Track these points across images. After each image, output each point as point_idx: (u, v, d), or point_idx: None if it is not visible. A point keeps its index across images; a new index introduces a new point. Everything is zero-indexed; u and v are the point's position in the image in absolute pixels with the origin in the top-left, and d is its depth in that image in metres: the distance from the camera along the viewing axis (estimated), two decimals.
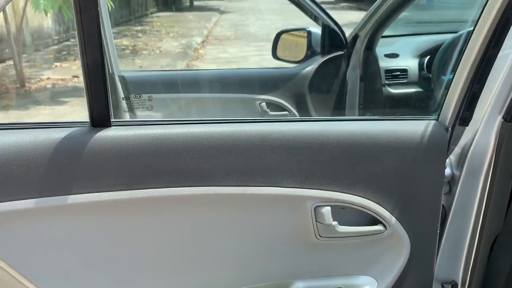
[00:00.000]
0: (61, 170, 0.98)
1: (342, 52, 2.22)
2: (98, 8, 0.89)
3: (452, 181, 1.29)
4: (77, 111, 4.52)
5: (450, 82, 1.18)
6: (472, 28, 1.12)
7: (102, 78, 0.95)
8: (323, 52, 2.26)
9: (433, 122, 1.20)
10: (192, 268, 1.15)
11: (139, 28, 10.09)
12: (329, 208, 1.14)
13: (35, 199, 0.96)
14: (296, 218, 1.14)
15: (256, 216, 1.13)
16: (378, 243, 1.22)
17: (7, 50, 6.19)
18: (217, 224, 1.12)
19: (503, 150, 1.19)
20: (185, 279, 1.16)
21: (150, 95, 1.23)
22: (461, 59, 1.14)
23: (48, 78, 5.75)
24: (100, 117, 1.00)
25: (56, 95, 5.17)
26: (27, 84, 5.46)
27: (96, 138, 1.00)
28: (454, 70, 1.17)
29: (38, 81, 5.69)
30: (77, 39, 0.93)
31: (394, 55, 2.36)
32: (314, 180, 1.12)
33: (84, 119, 1.05)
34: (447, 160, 1.28)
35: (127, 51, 7.45)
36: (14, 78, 5.58)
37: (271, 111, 2.18)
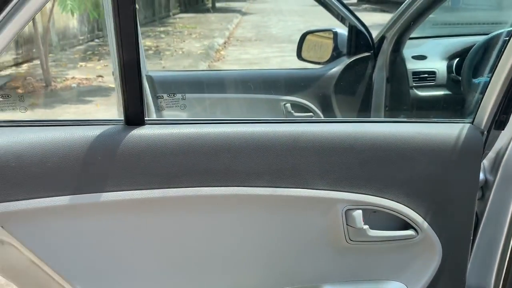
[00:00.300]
0: (95, 167, 0.99)
1: (368, 54, 2.19)
2: (135, 7, 0.89)
3: (485, 187, 1.26)
4: (101, 110, 4.58)
5: (487, 84, 1.15)
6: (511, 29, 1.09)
7: (137, 77, 0.96)
8: (349, 53, 2.23)
9: (468, 125, 1.17)
10: (220, 268, 1.15)
11: (162, 29, 10.20)
12: (360, 211, 1.12)
13: (70, 196, 0.97)
14: (327, 221, 1.13)
15: (285, 218, 1.12)
16: (409, 248, 1.20)
17: (34, 50, 6.33)
18: (246, 225, 1.11)
19: None
20: (213, 278, 1.15)
21: (183, 94, 1.23)
22: (499, 60, 1.11)
23: (73, 78, 5.85)
24: (134, 116, 1.01)
25: (81, 94, 5.25)
26: (53, 83, 5.56)
27: (130, 136, 1.00)
28: (491, 72, 1.14)
29: (64, 80, 5.80)
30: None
31: (422, 57, 2.32)
32: (346, 182, 1.10)
33: (113, 117, 1.05)
34: (481, 165, 1.25)
35: (150, 52, 7.54)
36: (40, 77, 5.70)
37: (295, 112, 2.16)
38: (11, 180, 0.95)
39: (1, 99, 0.96)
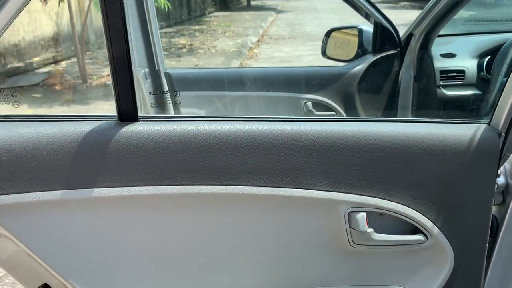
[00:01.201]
0: (87, 163, 0.99)
1: (395, 51, 2.13)
2: (123, 2, 0.90)
3: (506, 191, 1.19)
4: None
5: (505, 82, 1.08)
6: None
7: (128, 72, 0.95)
8: (375, 51, 2.17)
9: (484, 126, 1.11)
10: (215, 270, 1.13)
11: (196, 27, 10.32)
12: (364, 214, 1.08)
13: (61, 191, 0.98)
14: (328, 223, 1.09)
15: (284, 219, 1.09)
16: (418, 254, 1.15)
17: (72, 48, 6.54)
18: (243, 225, 1.09)
19: None
20: (208, 280, 1.14)
21: (177, 91, 1.22)
22: None
23: (108, 75, 5.98)
24: (127, 112, 1.00)
25: None
26: (88, 80, 5.72)
27: (123, 132, 1.00)
28: (509, 70, 1.07)
29: (99, 77, 5.95)
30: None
31: (450, 55, 2.23)
32: (348, 183, 1.06)
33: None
34: (502, 168, 1.18)
35: (184, 50, 7.63)
36: (77, 74, 5.88)
37: (317, 111, 2.13)
38: (1, 174, 0.96)
39: None
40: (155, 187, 1.01)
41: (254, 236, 1.11)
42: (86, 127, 1.00)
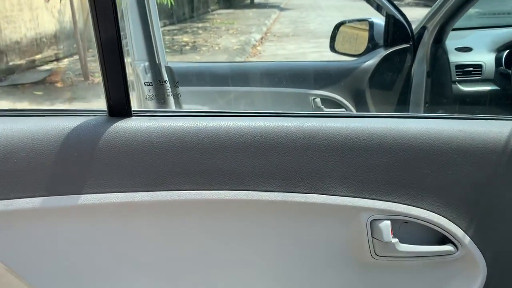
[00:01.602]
0: (71, 165, 0.88)
1: (407, 45, 2.05)
2: None
3: None
4: (135, 104, 4.62)
5: None
6: None
7: (119, 59, 0.84)
8: (386, 45, 2.10)
9: None
10: (220, 284, 1.02)
11: (200, 25, 10.34)
12: (388, 222, 0.97)
13: (41, 198, 0.87)
14: (348, 233, 0.99)
15: (299, 228, 0.99)
16: (447, 266, 1.04)
17: (74, 45, 6.50)
18: (252, 235, 0.99)
19: None
20: None
21: (177, 81, 1.11)
22: None
23: None
24: (119, 105, 0.89)
25: None
26: (90, 78, 5.71)
27: (113, 129, 0.88)
28: None
29: None
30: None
31: (466, 49, 2.14)
32: (371, 188, 0.96)
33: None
34: None
35: (187, 47, 7.62)
36: (79, 71, 5.86)
37: (326, 107, 2.05)
38: None
39: None
40: (151, 193, 0.89)
41: (265, 247, 1.00)
42: (70, 123, 0.88)
